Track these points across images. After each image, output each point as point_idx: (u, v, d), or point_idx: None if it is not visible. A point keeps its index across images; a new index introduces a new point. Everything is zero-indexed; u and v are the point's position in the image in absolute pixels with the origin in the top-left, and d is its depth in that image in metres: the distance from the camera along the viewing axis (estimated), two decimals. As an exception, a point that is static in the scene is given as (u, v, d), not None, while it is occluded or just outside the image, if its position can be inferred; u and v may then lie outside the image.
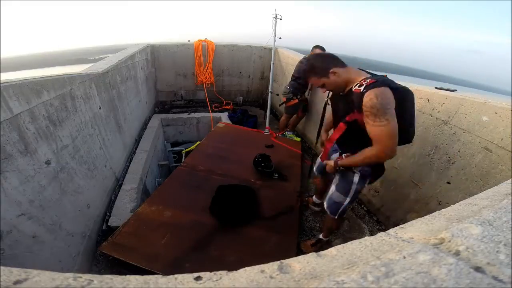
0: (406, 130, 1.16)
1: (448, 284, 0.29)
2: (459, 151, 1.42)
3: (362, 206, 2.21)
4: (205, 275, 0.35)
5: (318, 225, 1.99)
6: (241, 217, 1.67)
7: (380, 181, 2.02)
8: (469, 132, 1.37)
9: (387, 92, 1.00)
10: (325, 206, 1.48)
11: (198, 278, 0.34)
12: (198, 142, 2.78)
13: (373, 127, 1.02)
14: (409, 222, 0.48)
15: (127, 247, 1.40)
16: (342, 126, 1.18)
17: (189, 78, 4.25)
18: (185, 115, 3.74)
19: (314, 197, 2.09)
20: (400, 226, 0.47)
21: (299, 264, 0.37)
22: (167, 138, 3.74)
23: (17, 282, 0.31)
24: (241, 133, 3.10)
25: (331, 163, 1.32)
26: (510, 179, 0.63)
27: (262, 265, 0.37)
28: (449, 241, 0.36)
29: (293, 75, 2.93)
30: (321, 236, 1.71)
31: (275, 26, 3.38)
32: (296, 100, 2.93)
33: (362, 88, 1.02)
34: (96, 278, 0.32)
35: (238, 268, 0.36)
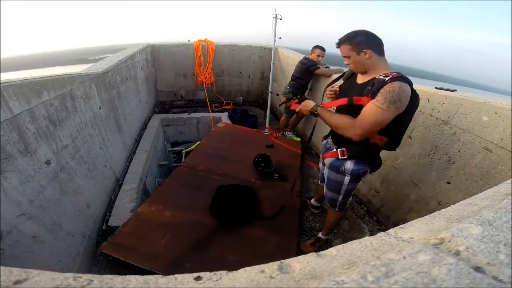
0: (399, 134, 1.19)
1: (448, 284, 0.29)
2: (459, 151, 1.42)
3: (362, 206, 2.21)
4: (205, 275, 0.35)
5: (318, 225, 1.99)
6: (241, 217, 1.67)
7: (380, 181, 2.03)
8: (469, 132, 1.37)
9: (408, 90, 1.01)
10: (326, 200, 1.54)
11: (198, 278, 0.34)
12: (198, 142, 2.78)
13: (371, 104, 1.04)
14: (409, 222, 0.48)
15: (127, 247, 1.40)
16: (343, 101, 1.19)
17: (189, 78, 4.25)
18: (185, 115, 3.74)
19: (312, 200, 2.09)
20: (400, 226, 0.47)
21: (299, 264, 0.37)
22: (167, 138, 3.74)
23: (17, 282, 0.31)
24: (241, 133, 3.10)
25: (308, 104, 1.31)
26: (510, 179, 0.63)
27: (262, 265, 0.37)
28: (449, 241, 0.36)
29: (293, 75, 2.94)
30: (320, 235, 1.71)
31: (275, 26, 3.38)
32: (296, 100, 2.94)
33: (387, 78, 1.03)
34: (96, 278, 0.32)
35: (238, 268, 0.36)
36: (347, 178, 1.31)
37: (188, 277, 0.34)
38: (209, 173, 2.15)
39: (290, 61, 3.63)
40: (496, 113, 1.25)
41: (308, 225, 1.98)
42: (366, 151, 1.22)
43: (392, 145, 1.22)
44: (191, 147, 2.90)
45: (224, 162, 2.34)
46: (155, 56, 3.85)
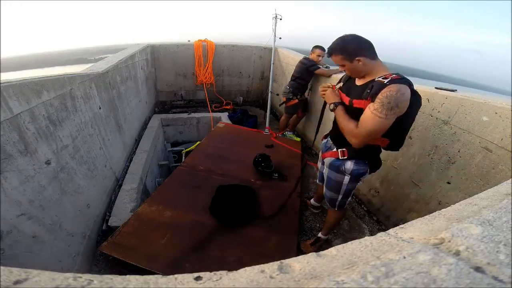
0: (401, 136, 1.18)
1: (448, 284, 0.29)
2: (459, 151, 1.42)
3: (362, 206, 2.21)
4: (205, 275, 0.35)
5: (318, 225, 1.99)
6: (241, 217, 1.67)
7: (380, 181, 2.03)
8: (469, 132, 1.37)
9: (407, 93, 1.00)
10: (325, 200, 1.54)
11: (198, 278, 0.34)
12: (198, 142, 2.78)
13: (369, 112, 1.03)
14: (409, 222, 0.48)
15: (127, 247, 1.40)
16: (346, 99, 1.20)
17: (189, 78, 4.25)
18: (185, 115, 3.74)
19: (312, 200, 2.10)
20: (400, 226, 0.47)
21: (299, 264, 0.37)
22: (167, 138, 3.74)
23: (17, 282, 0.31)
24: (241, 133, 3.10)
25: (334, 97, 1.26)
26: (510, 179, 0.63)
27: (262, 265, 0.37)
28: (449, 241, 0.36)
29: (293, 75, 2.93)
30: (320, 235, 1.72)
31: (275, 26, 3.38)
32: (296, 100, 2.94)
33: (386, 80, 1.02)
34: (96, 278, 0.32)
35: (238, 268, 0.36)
36: (347, 178, 1.31)
37: (188, 277, 0.34)
38: (209, 173, 2.15)
39: (290, 61, 3.63)
40: (496, 113, 1.25)
41: (308, 225, 1.98)
42: (366, 152, 1.22)
43: (395, 146, 1.21)
44: (191, 147, 2.90)
45: (224, 162, 2.34)
46: (155, 56, 3.85)
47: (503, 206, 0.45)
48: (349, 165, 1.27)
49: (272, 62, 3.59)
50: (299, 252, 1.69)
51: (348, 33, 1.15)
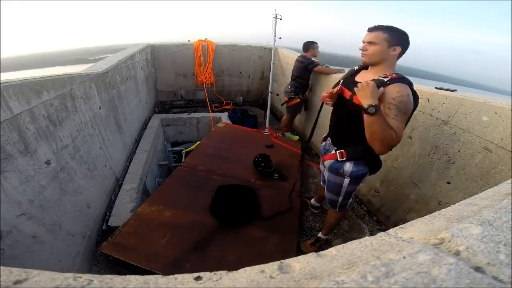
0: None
1: (448, 284, 0.29)
2: (459, 151, 1.42)
3: (362, 206, 2.21)
4: (205, 275, 0.35)
5: (318, 225, 1.99)
6: (241, 217, 1.67)
7: (380, 181, 2.03)
8: (469, 132, 1.37)
9: (411, 95, 1.01)
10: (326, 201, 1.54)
11: (198, 278, 0.34)
12: (198, 142, 2.78)
13: (393, 121, 1.01)
14: (409, 222, 0.48)
15: (127, 247, 1.40)
16: (347, 93, 1.18)
17: (189, 78, 4.25)
18: (185, 115, 3.74)
19: (313, 200, 2.09)
20: (400, 226, 0.47)
21: (299, 264, 0.37)
22: (167, 138, 3.74)
23: (17, 282, 0.31)
24: (241, 133, 3.10)
25: (373, 94, 1.00)
26: (510, 179, 0.63)
27: (262, 265, 0.37)
28: (449, 241, 0.36)
29: (292, 75, 2.91)
30: (320, 235, 1.72)
31: (275, 26, 3.38)
32: (298, 100, 2.92)
33: (386, 79, 1.03)
34: (96, 278, 0.32)
35: (238, 268, 0.36)
36: (346, 180, 1.31)
37: (188, 277, 0.34)
38: (209, 173, 2.15)
39: (290, 61, 3.62)
40: (496, 113, 1.25)
41: (308, 225, 1.98)
42: (365, 152, 1.21)
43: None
44: (191, 147, 2.90)
45: (224, 162, 2.34)
46: (155, 56, 3.85)
47: (503, 206, 0.45)
48: (348, 167, 1.27)
49: (272, 62, 3.58)
50: (299, 252, 1.69)
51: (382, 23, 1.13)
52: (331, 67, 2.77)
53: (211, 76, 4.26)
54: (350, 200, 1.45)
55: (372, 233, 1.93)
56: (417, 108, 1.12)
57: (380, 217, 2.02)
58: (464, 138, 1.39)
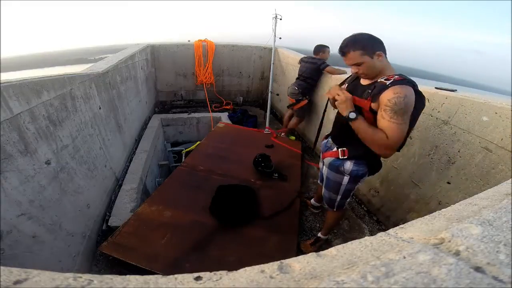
0: (405, 138, 1.15)
1: (448, 284, 0.29)
2: (459, 151, 1.42)
3: (362, 206, 2.21)
4: (205, 275, 0.35)
5: (318, 225, 1.99)
6: (241, 217, 1.67)
7: (380, 181, 2.03)
8: (469, 132, 1.37)
9: (411, 95, 0.99)
10: (324, 202, 1.53)
11: (198, 278, 0.34)
12: (198, 142, 2.78)
13: (388, 122, 1.00)
14: (409, 222, 0.48)
15: (127, 247, 1.40)
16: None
17: (189, 78, 4.25)
18: (185, 115, 3.74)
19: (312, 200, 2.09)
20: (400, 226, 0.47)
21: (299, 264, 0.37)
22: (167, 138, 3.74)
23: (17, 282, 0.31)
24: (241, 133, 3.10)
25: (348, 104, 1.12)
26: (510, 179, 0.63)
27: (262, 265, 0.37)
28: (449, 241, 0.36)
29: (301, 75, 2.85)
30: (319, 235, 1.72)
31: (275, 26, 3.38)
32: (306, 101, 2.88)
33: (388, 82, 1.01)
34: (96, 278, 0.32)
35: (238, 268, 0.36)
36: (346, 178, 1.31)
37: (188, 277, 0.34)
38: (209, 173, 2.15)
39: (290, 61, 3.63)
40: (496, 113, 1.25)
41: (308, 225, 1.98)
42: (367, 152, 1.20)
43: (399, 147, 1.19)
44: (191, 147, 2.89)
45: (224, 162, 2.34)
46: (155, 56, 3.85)
47: (503, 206, 0.45)
48: (349, 165, 1.27)
49: (272, 62, 3.59)
50: (299, 252, 1.69)
51: (343, 35, 1.12)
52: (335, 67, 2.75)
53: (211, 76, 4.26)
54: (348, 200, 1.45)
55: (372, 233, 1.93)
56: (423, 109, 1.11)
57: (380, 217, 2.02)
58: (464, 138, 1.39)
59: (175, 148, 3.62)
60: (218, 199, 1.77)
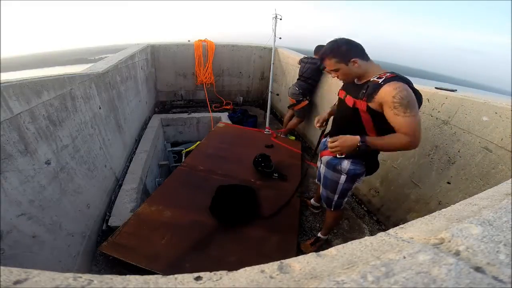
0: None
1: (448, 284, 0.29)
2: (459, 151, 1.42)
3: (362, 206, 2.21)
4: (205, 275, 0.35)
5: (318, 225, 1.99)
6: (241, 217, 1.67)
7: (380, 181, 2.03)
8: (469, 132, 1.37)
9: (408, 88, 0.99)
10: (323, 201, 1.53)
11: (198, 278, 0.34)
12: (198, 142, 2.78)
13: (404, 118, 0.98)
14: (409, 222, 0.48)
15: (127, 247, 1.40)
16: (349, 100, 1.17)
17: (189, 78, 4.25)
18: (185, 115, 3.74)
19: (312, 200, 2.09)
20: (400, 226, 0.47)
21: (299, 264, 0.37)
22: (167, 138, 3.74)
23: (17, 282, 0.31)
24: (241, 133, 3.10)
25: (353, 141, 1.11)
26: (510, 179, 0.63)
27: (262, 265, 0.37)
28: (449, 241, 0.36)
29: (302, 76, 2.85)
30: (319, 235, 1.72)
31: (275, 26, 3.38)
32: (307, 102, 2.87)
33: (380, 80, 1.02)
34: (96, 278, 0.32)
35: (238, 268, 0.36)
36: (343, 177, 1.31)
37: (188, 277, 0.34)
38: (209, 173, 2.15)
39: (290, 61, 3.63)
40: (496, 113, 1.25)
41: (308, 225, 1.98)
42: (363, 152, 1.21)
43: None
44: (191, 147, 2.90)
45: (224, 162, 2.34)
46: (155, 56, 3.85)
47: (503, 206, 0.45)
48: (346, 164, 1.27)
49: (272, 62, 3.58)
50: (299, 252, 1.69)
51: (341, 36, 1.14)
52: None
53: (211, 76, 4.26)
54: (346, 199, 1.45)
55: (372, 233, 1.93)
56: (420, 107, 1.11)
57: (380, 217, 2.02)
58: (464, 138, 1.39)
59: (175, 148, 3.62)
60: (218, 199, 1.77)
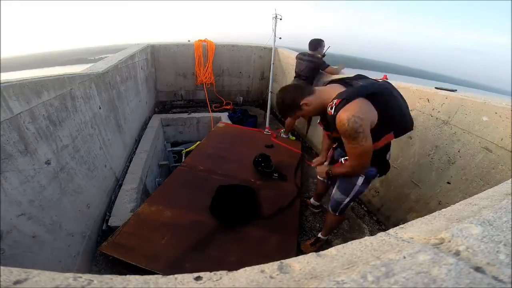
0: (398, 121, 1.13)
1: (448, 284, 0.29)
2: (459, 151, 1.42)
3: (362, 206, 2.21)
4: (205, 275, 0.35)
5: (318, 225, 1.99)
6: (241, 217, 1.67)
7: (380, 181, 2.03)
8: (469, 132, 1.37)
9: (358, 108, 0.98)
10: (329, 204, 1.52)
11: (198, 278, 0.34)
12: (198, 142, 2.78)
13: (348, 147, 1.08)
14: (409, 222, 0.48)
15: (127, 247, 1.40)
16: (325, 132, 1.35)
17: (189, 78, 4.25)
18: (185, 115, 3.74)
19: (312, 199, 2.09)
20: (400, 226, 0.47)
21: (299, 264, 0.37)
22: (167, 138, 3.74)
23: (17, 282, 0.31)
24: (241, 133, 3.10)
25: (323, 169, 1.40)
26: (510, 179, 0.63)
27: (262, 265, 0.37)
28: (449, 241, 0.36)
29: (300, 75, 2.81)
30: (319, 235, 1.71)
31: (275, 26, 3.38)
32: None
33: (332, 111, 1.04)
34: (96, 278, 0.32)
35: (238, 268, 0.36)
36: (360, 179, 1.28)
37: (188, 277, 0.34)
38: (209, 173, 2.15)
39: (290, 61, 3.62)
40: (496, 113, 1.25)
41: (308, 225, 1.98)
42: (373, 157, 1.18)
43: (402, 130, 1.18)
44: (191, 147, 2.89)
45: (224, 162, 2.34)
46: (155, 56, 3.85)
47: (503, 206, 0.45)
48: None
49: (272, 62, 3.58)
50: (299, 252, 1.69)
51: (283, 87, 1.22)
52: (334, 67, 2.71)
53: (211, 76, 4.26)
54: (352, 203, 1.45)
55: (372, 233, 1.93)
56: (417, 108, 1.12)
57: (380, 217, 2.02)
58: (464, 138, 1.39)
59: (175, 148, 3.61)
60: (218, 199, 1.77)
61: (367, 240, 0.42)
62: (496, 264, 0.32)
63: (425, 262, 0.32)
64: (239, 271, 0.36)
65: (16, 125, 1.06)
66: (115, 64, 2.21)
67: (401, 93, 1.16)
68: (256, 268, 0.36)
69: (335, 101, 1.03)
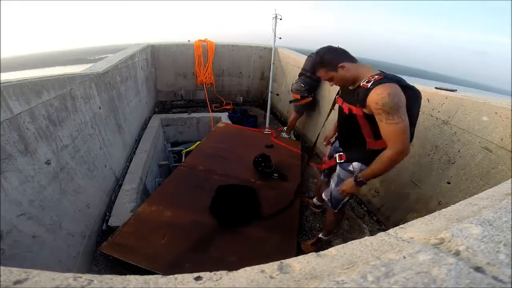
0: (412, 131, 1.12)
1: (448, 284, 0.29)
2: (459, 151, 1.42)
3: (362, 206, 2.21)
4: (205, 275, 0.35)
5: (318, 225, 1.99)
6: (241, 217, 1.67)
7: (380, 181, 2.03)
8: (469, 132, 1.37)
9: (398, 89, 0.97)
10: (326, 198, 1.52)
11: (198, 278, 0.34)
12: (198, 142, 2.78)
13: (386, 125, 0.98)
14: (409, 222, 0.48)
15: (127, 247, 1.40)
16: (346, 108, 1.18)
17: (189, 78, 4.25)
18: (185, 115, 3.74)
19: (314, 199, 2.09)
20: (400, 226, 0.47)
21: (299, 264, 0.37)
22: (167, 138, 3.74)
23: (17, 282, 0.31)
24: (241, 133, 3.10)
25: (349, 184, 1.23)
26: (510, 179, 0.63)
27: (262, 265, 0.37)
28: (449, 241, 0.36)
29: (306, 71, 2.81)
30: (320, 235, 1.71)
31: (275, 26, 3.38)
32: (310, 98, 2.84)
33: (369, 84, 1.01)
34: (96, 278, 0.32)
35: (238, 268, 0.36)
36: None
37: (188, 277, 0.34)
38: (209, 173, 2.15)
39: (290, 61, 3.62)
40: (496, 113, 1.25)
41: (308, 225, 1.98)
42: (366, 154, 1.19)
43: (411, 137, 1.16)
44: (191, 147, 2.90)
45: (224, 162, 2.34)
46: (155, 56, 3.85)
47: (503, 206, 0.45)
48: (356, 165, 1.26)
49: (272, 62, 3.58)
50: (299, 252, 1.69)
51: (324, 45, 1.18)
52: None
53: (211, 76, 4.26)
54: (350, 200, 1.45)
55: (372, 233, 1.93)
56: (419, 107, 1.11)
57: (380, 217, 2.02)
58: (464, 138, 1.39)
59: (175, 148, 3.62)
60: (218, 199, 1.77)
61: (367, 240, 0.42)
62: (496, 264, 0.32)
63: (425, 262, 0.32)
64: (239, 271, 0.36)
65: (16, 125, 1.06)
66: (115, 64, 2.21)
67: None
68: (256, 268, 0.36)
69: (376, 76, 1.02)
